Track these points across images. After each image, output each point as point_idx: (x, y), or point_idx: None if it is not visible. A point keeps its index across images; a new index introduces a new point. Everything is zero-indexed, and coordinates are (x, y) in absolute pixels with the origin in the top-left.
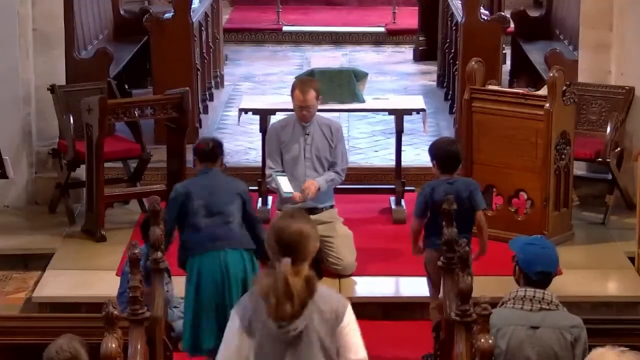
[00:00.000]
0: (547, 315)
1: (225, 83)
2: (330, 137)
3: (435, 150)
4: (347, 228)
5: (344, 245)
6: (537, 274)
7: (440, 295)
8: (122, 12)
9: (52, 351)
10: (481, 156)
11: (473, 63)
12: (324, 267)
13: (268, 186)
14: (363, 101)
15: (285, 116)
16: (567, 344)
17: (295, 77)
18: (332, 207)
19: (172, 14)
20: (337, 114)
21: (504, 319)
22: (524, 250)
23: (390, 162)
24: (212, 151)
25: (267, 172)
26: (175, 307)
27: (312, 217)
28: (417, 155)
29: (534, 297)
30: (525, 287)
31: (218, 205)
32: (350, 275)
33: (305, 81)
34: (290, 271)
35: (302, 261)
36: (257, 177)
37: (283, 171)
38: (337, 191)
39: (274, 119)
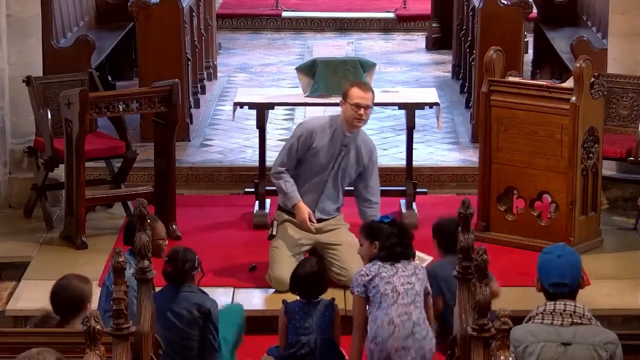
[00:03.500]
0: (579, 331)
1: (218, 74)
2: (363, 156)
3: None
4: (354, 235)
5: (349, 254)
6: (551, 285)
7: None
8: None
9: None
10: (500, 155)
11: (492, 52)
12: (327, 277)
13: (273, 180)
14: None
15: (327, 117)
16: None
17: (296, 68)
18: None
19: None
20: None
21: (532, 334)
22: (539, 260)
23: (401, 162)
24: (177, 273)
25: (277, 169)
26: None
27: (316, 225)
28: (430, 154)
29: (564, 310)
30: (554, 301)
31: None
32: None
33: (364, 81)
34: None
35: None
36: (253, 178)
37: (286, 171)
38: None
39: (271, 113)
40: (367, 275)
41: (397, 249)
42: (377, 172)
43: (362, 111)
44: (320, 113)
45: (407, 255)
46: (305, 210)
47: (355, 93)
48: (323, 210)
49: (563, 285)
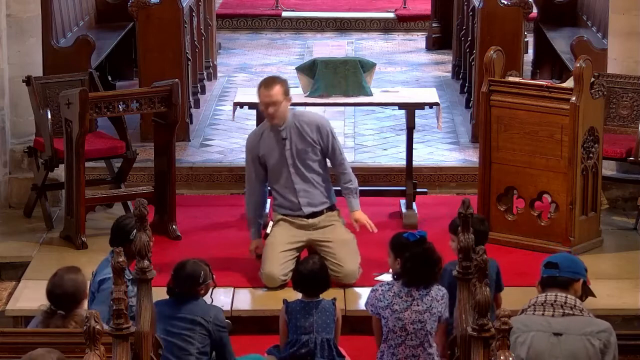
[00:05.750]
0: (572, 321)
1: (218, 74)
2: (311, 136)
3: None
4: (348, 231)
5: (343, 251)
6: (544, 268)
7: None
8: None
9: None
10: (500, 155)
11: (492, 52)
12: (329, 275)
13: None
14: (371, 94)
15: (260, 125)
16: (595, 351)
17: (296, 68)
18: (330, 208)
19: None
20: (342, 108)
21: (524, 325)
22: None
23: (401, 162)
24: (183, 282)
25: (245, 188)
26: None
27: (310, 221)
28: (430, 154)
29: (555, 301)
30: (545, 292)
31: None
32: (355, 284)
33: (270, 77)
34: None
35: None
36: None
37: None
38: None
39: None
40: (381, 301)
41: (417, 276)
42: (337, 144)
43: (270, 108)
44: (320, 113)
45: (428, 283)
46: (253, 244)
47: (261, 93)
48: (310, 204)
49: (553, 266)
